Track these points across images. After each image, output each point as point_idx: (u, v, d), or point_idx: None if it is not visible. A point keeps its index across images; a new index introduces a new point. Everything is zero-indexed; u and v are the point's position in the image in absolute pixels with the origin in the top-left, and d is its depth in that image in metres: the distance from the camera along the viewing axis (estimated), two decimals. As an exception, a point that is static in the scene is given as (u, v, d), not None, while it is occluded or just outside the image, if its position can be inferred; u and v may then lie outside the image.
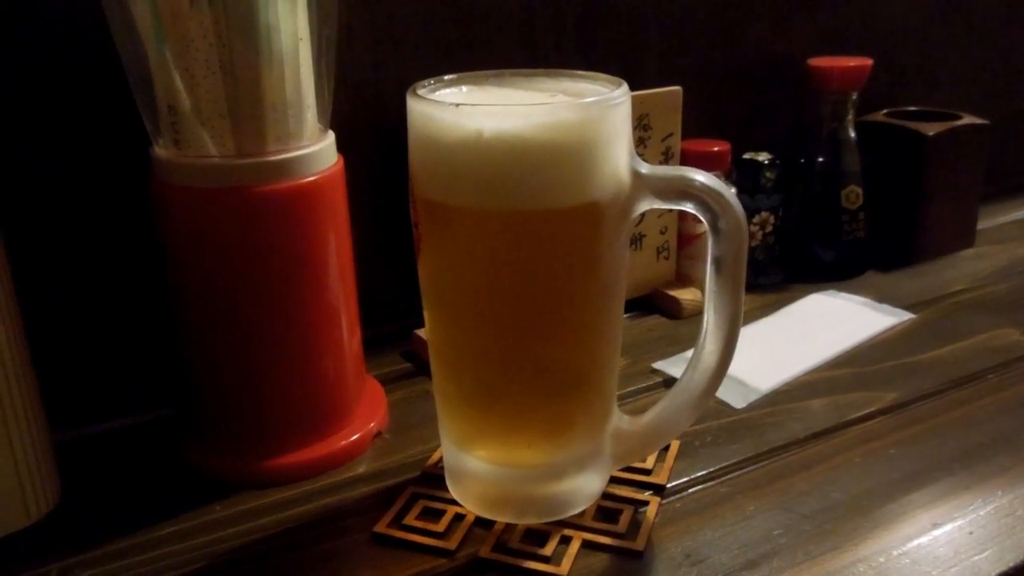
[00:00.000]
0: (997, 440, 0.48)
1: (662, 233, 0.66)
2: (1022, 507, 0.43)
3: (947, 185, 0.74)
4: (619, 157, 0.37)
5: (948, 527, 0.42)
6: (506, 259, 0.37)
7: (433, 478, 0.46)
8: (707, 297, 0.39)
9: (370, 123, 0.57)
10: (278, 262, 0.45)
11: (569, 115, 0.36)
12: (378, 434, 0.51)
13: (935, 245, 0.76)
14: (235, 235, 0.44)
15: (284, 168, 0.43)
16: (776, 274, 0.71)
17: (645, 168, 0.38)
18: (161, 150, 0.44)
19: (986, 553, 0.40)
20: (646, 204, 0.39)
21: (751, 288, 0.69)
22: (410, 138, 0.38)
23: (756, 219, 0.69)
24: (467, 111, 0.35)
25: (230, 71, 0.41)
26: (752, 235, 0.69)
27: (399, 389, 0.56)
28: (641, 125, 0.62)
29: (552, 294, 0.38)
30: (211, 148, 0.42)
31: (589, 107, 0.36)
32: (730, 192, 0.38)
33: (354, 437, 0.49)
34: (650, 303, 0.67)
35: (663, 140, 0.64)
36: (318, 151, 0.45)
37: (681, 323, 0.65)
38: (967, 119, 0.74)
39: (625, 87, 0.38)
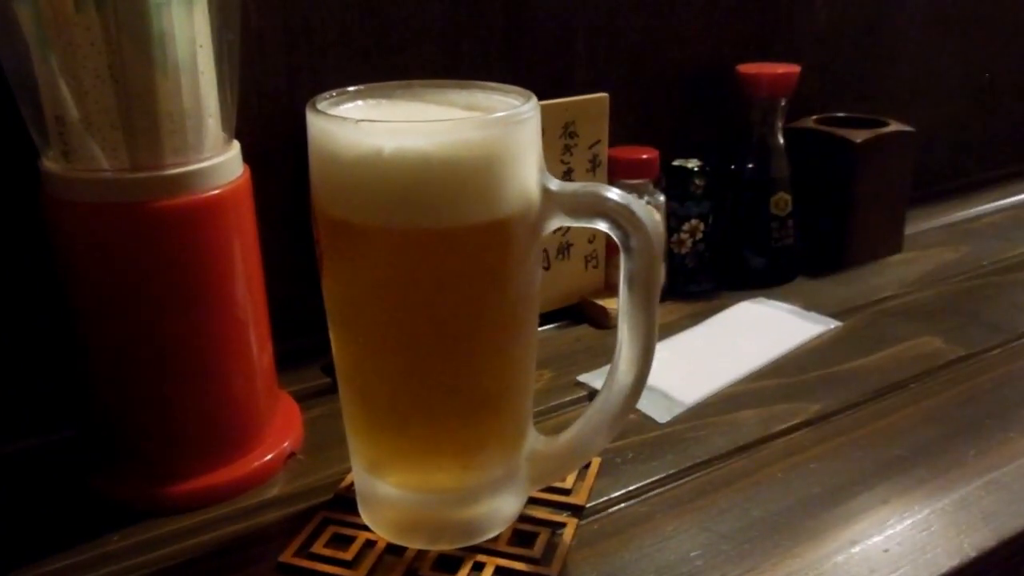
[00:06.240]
0: (916, 452, 0.48)
1: (590, 242, 0.65)
2: (938, 522, 0.43)
3: (875, 191, 0.75)
4: (528, 174, 0.36)
5: (865, 544, 0.41)
6: (410, 278, 0.36)
7: (346, 501, 0.45)
8: (620, 315, 0.38)
9: (284, 131, 0.55)
10: (179, 279, 0.42)
11: (473, 132, 0.34)
12: (292, 454, 0.49)
13: (864, 251, 0.77)
14: (132, 252, 0.41)
15: (183, 182, 0.41)
16: (706, 282, 0.71)
17: (555, 185, 0.37)
18: (50, 163, 0.42)
19: (901, 571, 0.40)
20: (557, 222, 0.38)
21: (682, 296, 0.69)
22: (311, 153, 0.37)
23: (686, 226, 0.69)
24: (367, 127, 0.34)
25: (121, 79, 0.39)
26: (682, 242, 0.69)
27: (317, 405, 0.54)
28: (567, 132, 0.61)
29: (460, 314, 0.37)
30: (103, 161, 0.40)
31: (494, 123, 0.35)
32: (643, 209, 0.36)
33: (266, 458, 0.47)
34: (579, 312, 0.66)
35: (590, 147, 0.63)
36: (221, 163, 0.43)
37: (609, 333, 0.64)
38: (894, 125, 0.75)
39: (534, 101, 0.37)
